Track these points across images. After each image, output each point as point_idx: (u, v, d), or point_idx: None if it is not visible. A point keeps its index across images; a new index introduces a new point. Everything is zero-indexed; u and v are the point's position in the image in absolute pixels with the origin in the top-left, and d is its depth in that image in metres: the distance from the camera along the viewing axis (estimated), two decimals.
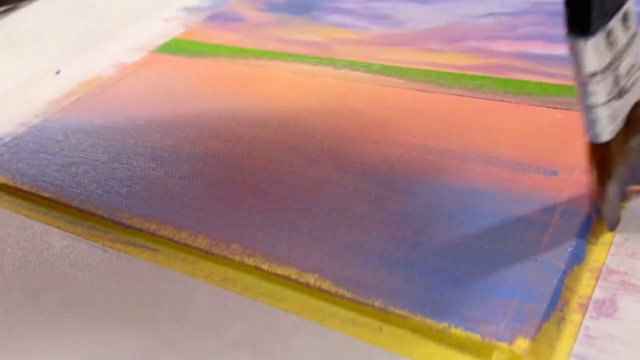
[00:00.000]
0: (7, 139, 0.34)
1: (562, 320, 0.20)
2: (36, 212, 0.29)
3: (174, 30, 0.45)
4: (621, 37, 0.20)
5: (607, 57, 0.20)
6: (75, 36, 0.47)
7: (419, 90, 0.32)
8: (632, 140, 0.22)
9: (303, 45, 0.39)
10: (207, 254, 0.25)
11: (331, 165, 0.28)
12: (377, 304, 0.21)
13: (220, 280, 0.24)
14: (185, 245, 0.25)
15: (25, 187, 0.30)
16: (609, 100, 0.20)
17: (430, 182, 0.26)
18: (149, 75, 0.39)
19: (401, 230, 0.24)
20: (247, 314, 0.22)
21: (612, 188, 0.22)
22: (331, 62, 0.36)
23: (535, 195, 0.24)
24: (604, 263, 0.22)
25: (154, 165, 0.30)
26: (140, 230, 0.26)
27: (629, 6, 0.20)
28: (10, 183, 0.31)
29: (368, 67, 0.35)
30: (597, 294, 0.21)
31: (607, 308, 0.20)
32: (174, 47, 0.42)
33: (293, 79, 0.35)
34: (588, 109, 0.20)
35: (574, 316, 0.20)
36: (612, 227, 0.23)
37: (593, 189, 0.22)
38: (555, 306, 0.20)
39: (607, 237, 0.23)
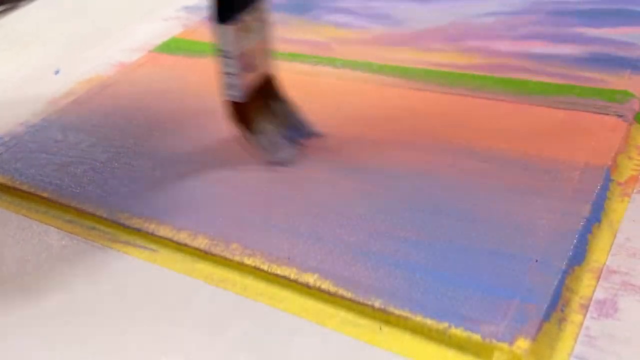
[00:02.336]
0: (6, 139, 0.34)
1: (562, 320, 0.20)
2: (35, 212, 0.29)
3: (173, 29, 0.45)
4: (253, 25, 0.27)
5: (242, 39, 0.27)
6: (74, 36, 0.47)
7: (419, 90, 0.32)
8: (274, 105, 0.29)
9: (303, 44, 0.39)
10: (206, 254, 0.25)
11: (331, 165, 0.28)
12: (377, 304, 0.21)
13: (219, 281, 0.24)
14: (185, 245, 0.25)
15: (24, 187, 0.30)
16: (242, 72, 0.27)
17: (430, 181, 0.26)
18: (148, 75, 0.39)
19: (401, 230, 0.24)
20: (247, 314, 0.22)
21: (262, 139, 0.28)
22: (331, 61, 0.36)
23: (536, 195, 0.24)
24: (605, 263, 0.22)
25: (153, 165, 0.30)
26: (139, 230, 0.26)
27: (258, 2, 0.28)
28: (9, 183, 0.30)
29: (368, 67, 0.35)
30: (598, 295, 0.21)
31: (607, 308, 0.20)
32: (173, 47, 0.42)
33: (293, 79, 0.35)
34: (226, 77, 0.27)
35: (574, 316, 0.20)
36: (272, 159, 0.28)
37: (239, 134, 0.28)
38: (555, 306, 0.20)
39: (607, 237, 0.23)
